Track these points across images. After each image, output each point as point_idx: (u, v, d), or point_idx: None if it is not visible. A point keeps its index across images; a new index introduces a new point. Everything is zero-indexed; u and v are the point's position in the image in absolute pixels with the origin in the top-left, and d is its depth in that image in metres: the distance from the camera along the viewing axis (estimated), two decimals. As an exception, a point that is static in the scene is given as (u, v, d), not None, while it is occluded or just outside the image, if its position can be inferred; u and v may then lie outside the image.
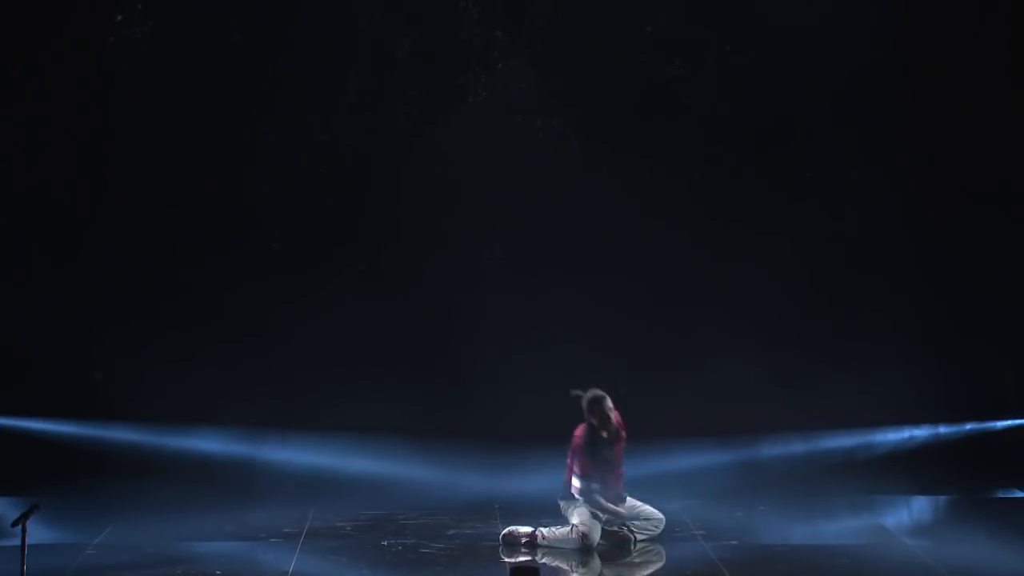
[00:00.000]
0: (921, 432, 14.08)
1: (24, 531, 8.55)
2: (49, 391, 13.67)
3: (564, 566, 10.87)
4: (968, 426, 14.05)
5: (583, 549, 11.08)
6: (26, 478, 12.91)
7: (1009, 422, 14.01)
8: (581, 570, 10.82)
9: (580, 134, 14.10)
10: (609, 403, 11.23)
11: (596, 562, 10.95)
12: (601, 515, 11.21)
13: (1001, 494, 13.28)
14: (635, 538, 11.26)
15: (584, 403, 11.23)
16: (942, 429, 14.09)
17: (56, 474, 13.10)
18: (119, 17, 13.95)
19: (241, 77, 14.03)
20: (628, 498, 11.38)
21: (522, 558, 10.93)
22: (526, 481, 11.57)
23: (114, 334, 13.82)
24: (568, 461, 11.26)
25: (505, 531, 11.19)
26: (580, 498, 11.17)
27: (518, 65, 14.07)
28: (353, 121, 14.12)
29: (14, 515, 8.73)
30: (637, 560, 11.01)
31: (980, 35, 14.00)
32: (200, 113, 14.03)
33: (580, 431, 11.26)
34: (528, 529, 11.19)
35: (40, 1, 13.82)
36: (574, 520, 11.17)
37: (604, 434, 11.21)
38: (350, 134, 14.14)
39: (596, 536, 11.16)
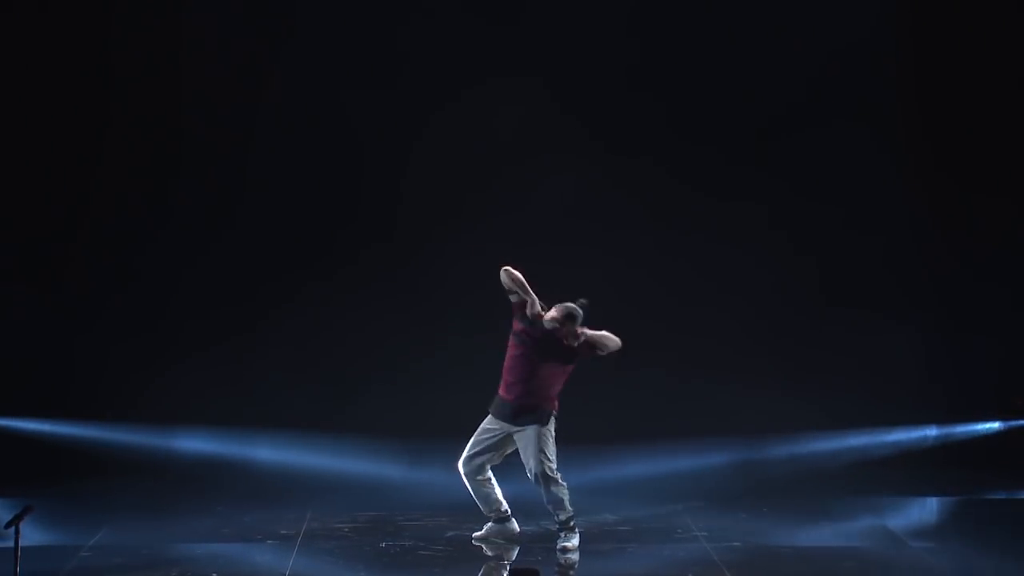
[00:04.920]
0: (926, 433, 14.04)
1: (18, 532, 8.46)
2: (45, 392, 13.65)
3: (563, 569, 10.79)
4: (974, 427, 14.00)
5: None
6: (20, 479, 12.85)
7: (1016, 423, 13.96)
8: (582, 572, 10.74)
9: (581, 131, 14.05)
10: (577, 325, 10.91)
11: (597, 564, 10.88)
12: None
13: (1007, 495, 13.21)
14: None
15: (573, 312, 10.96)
16: (947, 430, 14.04)
17: (51, 475, 13.10)
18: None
19: (238, 76, 13.99)
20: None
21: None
22: (526, 481, 11.48)
23: (110, 335, 13.79)
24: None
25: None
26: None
27: (519, 62, 14.04)
28: (350, 121, 14.07)
29: (8, 516, 8.64)
30: (638, 562, 10.93)
31: (986, 23, 13.96)
32: (196, 114, 13.98)
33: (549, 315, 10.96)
34: None
35: (34, 15, 13.78)
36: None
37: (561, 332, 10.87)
38: (347, 135, 14.09)
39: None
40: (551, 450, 11.04)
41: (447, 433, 13.02)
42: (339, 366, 13.90)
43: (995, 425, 14.00)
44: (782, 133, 14.13)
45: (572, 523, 11.12)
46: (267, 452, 13.64)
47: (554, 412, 11.06)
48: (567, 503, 11.06)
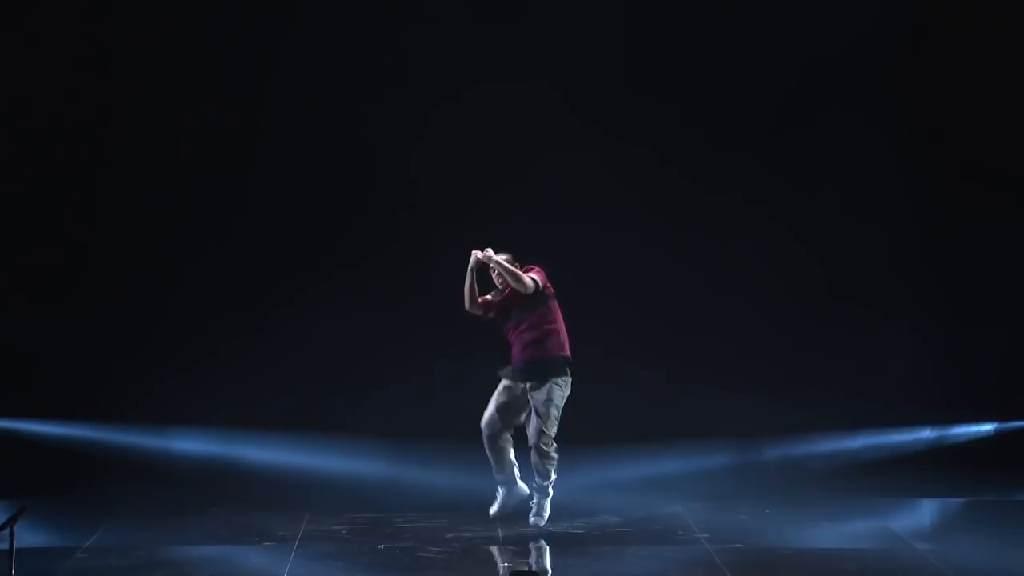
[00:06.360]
0: (929, 433, 13.99)
1: (12, 534, 8.39)
2: (41, 394, 13.58)
3: (563, 570, 10.73)
4: (978, 427, 13.95)
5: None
6: (17, 480, 12.80)
7: (1020, 423, 13.91)
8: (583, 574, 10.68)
9: (582, 130, 13.99)
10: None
11: (597, 566, 10.81)
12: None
13: (1012, 496, 13.14)
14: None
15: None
16: (951, 430, 13.99)
17: (46, 477, 13.05)
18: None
19: (238, 74, 13.94)
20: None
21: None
22: (525, 483, 11.44)
23: (107, 337, 13.74)
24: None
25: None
26: None
27: (518, 60, 13.98)
28: (352, 124, 14.02)
29: (1, 518, 8.57)
30: (640, 563, 10.86)
31: (989, 16, 13.90)
32: (195, 114, 13.94)
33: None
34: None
35: (36, 18, 13.75)
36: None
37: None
38: (348, 138, 14.03)
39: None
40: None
41: (446, 435, 13.01)
42: (338, 368, 13.83)
43: (996, 426, 13.94)
44: (782, 130, 14.06)
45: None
46: (264, 454, 13.57)
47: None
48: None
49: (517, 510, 11.67)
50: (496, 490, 11.72)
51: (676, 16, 14.01)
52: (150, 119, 13.92)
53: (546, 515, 11.60)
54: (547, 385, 11.46)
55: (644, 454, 13.49)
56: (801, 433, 13.76)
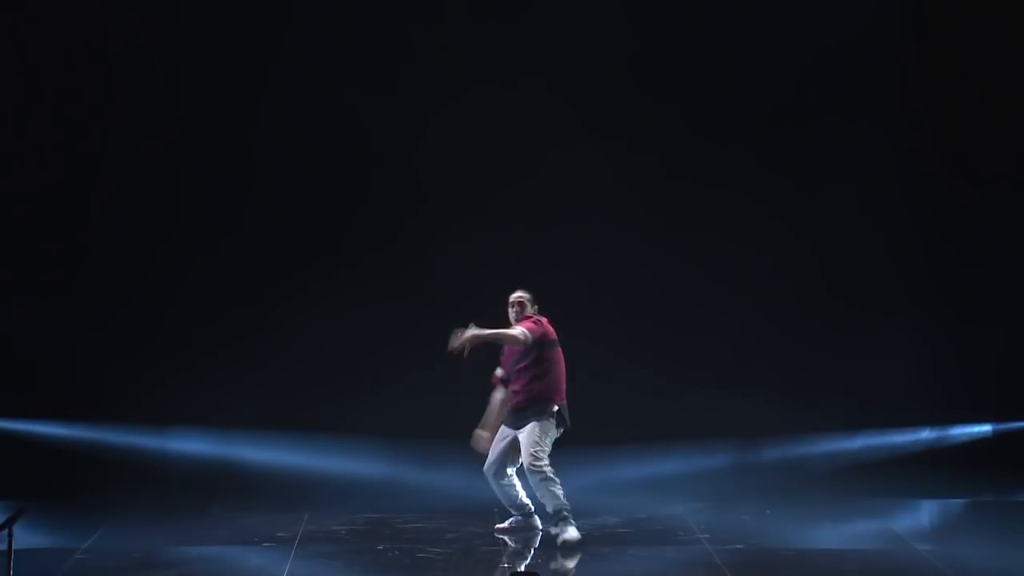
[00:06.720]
0: (929, 434, 13.96)
1: (11, 535, 8.37)
2: (41, 395, 13.55)
3: (563, 571, 10.70)
4: (980, 428, 13.93)
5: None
6: (15, 481, 12.78)
7: (1019, 423, 13.88)
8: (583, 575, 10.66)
9: (582, 129, 13.96)
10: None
11: (597, 566, 10.79)
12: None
13: (1012, 497, 13.13)
14: None
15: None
16: (953, 431, 13.96)
17: (45, 477, 13.00)
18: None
19: (239, 75, 13.91)
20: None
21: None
22: (526, 484, 11.41)
23: (107, 336, 13.70)
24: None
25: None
26: None
27: (518, 61, 13.96)
28: (353, 123, 13.99)
29: (0, 519, 8.55)
30: (640, 564, 10.84)
31: (992, 14, 13.87)
32: (195, 114, 13.91)
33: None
34: None
35: (37, 18, 13.74)
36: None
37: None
38: (349, 138, 14.01)
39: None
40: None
41: (446, 435, 12.98)
42: (338, 368, 13.80)
43: (993, 426, 13.92)
44: (782, 129, 14.03)
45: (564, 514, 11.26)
46: (264, 454, 13.54)
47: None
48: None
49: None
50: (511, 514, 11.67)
51: (677, 16, 13.98)
52: (150, 119, 13.88)
53: (567, 535, 11.27)
54: (531, 422, 11.34)
55: (644, 454, 13.47)
56: (801, 433, 13.74)
